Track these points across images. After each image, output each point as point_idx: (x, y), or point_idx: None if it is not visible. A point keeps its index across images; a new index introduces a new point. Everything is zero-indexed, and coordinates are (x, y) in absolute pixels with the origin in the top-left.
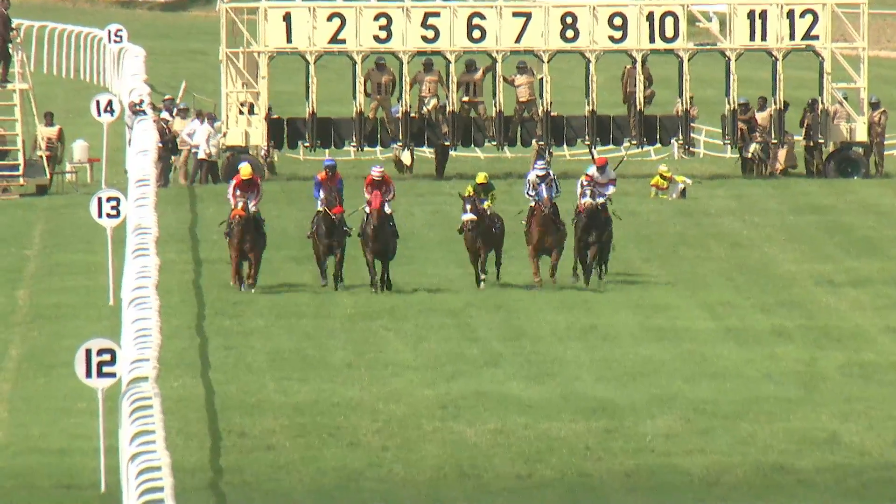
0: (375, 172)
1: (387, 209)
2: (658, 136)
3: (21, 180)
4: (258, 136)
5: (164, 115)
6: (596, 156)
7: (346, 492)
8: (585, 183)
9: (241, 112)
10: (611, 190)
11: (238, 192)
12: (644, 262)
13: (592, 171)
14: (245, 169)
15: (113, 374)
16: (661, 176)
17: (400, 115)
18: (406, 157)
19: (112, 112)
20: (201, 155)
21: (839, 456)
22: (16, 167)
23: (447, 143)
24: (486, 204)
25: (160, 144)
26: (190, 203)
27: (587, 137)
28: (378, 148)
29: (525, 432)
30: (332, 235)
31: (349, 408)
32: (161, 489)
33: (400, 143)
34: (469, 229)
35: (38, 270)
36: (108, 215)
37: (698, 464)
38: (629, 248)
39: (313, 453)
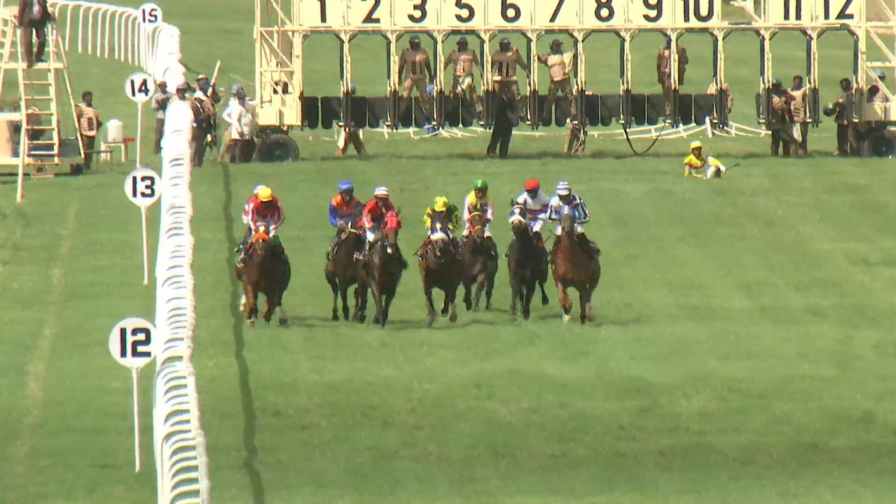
0: (381, 192)
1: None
2: (693, 116)
3: (56, 160)
4: (292, 115)
5: (198, 94)
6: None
7: (380, 471)
8: (517, 211)
9: (274, 91)
10: (542, 217)
11: (256, 217)
12: (678, 241)
13: (524, 197)
14: (264, 191)
15: (147, 354)
16: (695, 155)
17: (434, 94)
18: (340, 141)
19: (146, 91)
20: (233, 135)
21: (874, 435)
22: (51, 146)
23: (482, 123)
24: (450, 226)
25: (194, 124)
26: (224, 182)
27: (622, 117)
28: (412, 128)
29: (559, 411)
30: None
31: (383, 387)
32: (195, 468)
33: (341, 123)
34: (439, 250)
35: (73, 250)
36: (143, 194)
37: (733, 443)
38: (663, 226)
39: (347, 432)
